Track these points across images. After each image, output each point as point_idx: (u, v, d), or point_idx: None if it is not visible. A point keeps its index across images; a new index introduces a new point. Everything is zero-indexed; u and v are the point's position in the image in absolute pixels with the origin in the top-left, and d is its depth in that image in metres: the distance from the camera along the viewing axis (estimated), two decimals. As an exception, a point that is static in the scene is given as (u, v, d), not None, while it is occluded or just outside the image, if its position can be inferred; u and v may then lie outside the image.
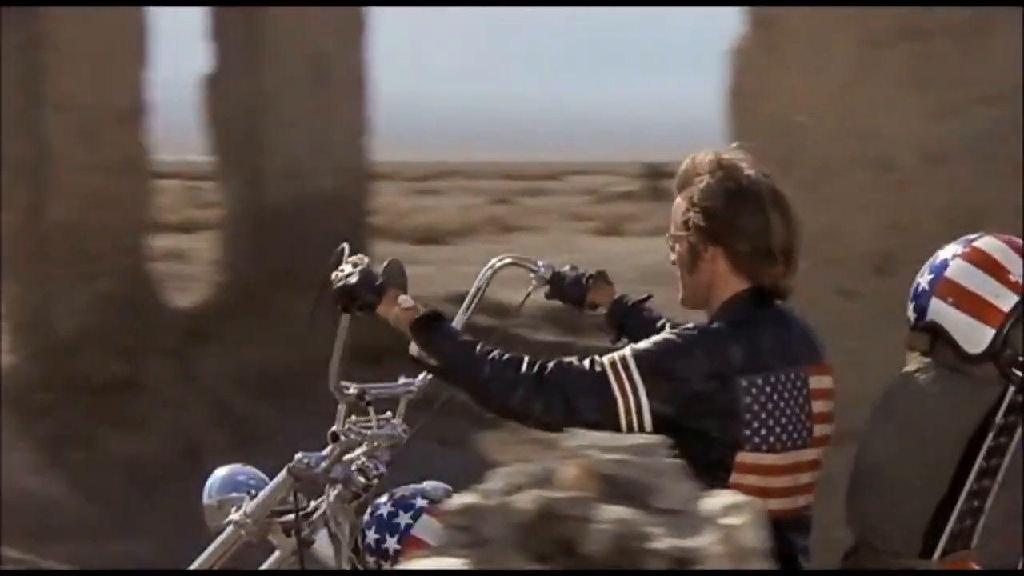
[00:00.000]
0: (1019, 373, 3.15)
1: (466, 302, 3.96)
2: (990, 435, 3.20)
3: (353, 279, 3.51)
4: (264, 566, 3.79)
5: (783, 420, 3.19)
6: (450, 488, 3.71)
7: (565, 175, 65.80)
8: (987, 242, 3.25)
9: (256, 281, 15.91)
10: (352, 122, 16.90)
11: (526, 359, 3.23)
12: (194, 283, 17.15)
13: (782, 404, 3.20)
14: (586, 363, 3.19)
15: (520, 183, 57.40)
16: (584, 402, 3.17)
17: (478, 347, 3.29)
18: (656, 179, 47.01)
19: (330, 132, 16.58)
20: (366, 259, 3.55)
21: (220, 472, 3.90)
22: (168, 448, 11.58)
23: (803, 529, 3.29)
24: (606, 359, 3.19)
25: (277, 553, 3.76)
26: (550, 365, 3.20)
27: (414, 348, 3.40)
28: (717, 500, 2.05)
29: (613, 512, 2.08)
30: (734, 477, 3.16)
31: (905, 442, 3.21)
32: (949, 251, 3.27)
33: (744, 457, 3.17)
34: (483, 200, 43.98)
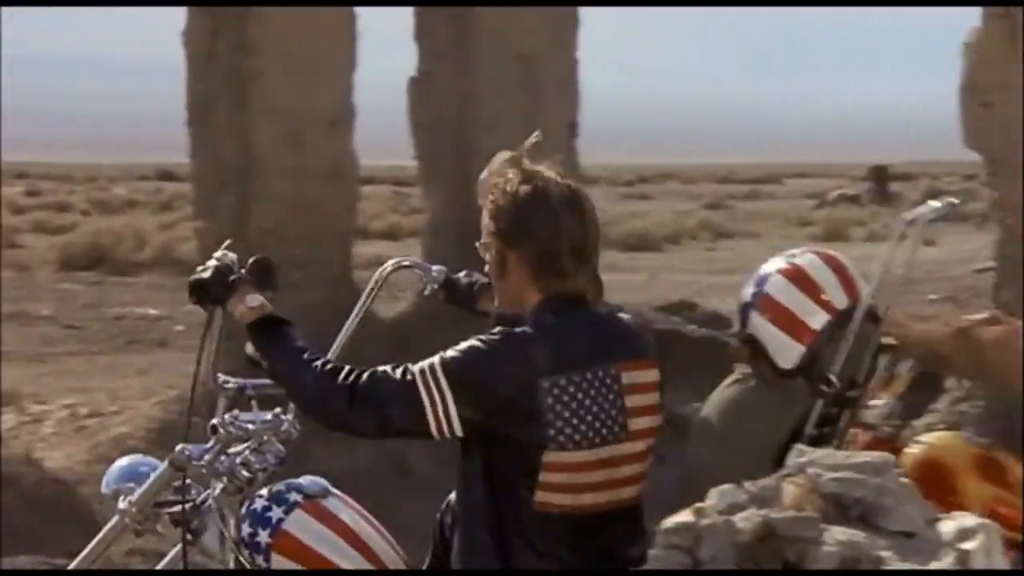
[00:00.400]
0: (826, 389, 3.31)
1: (357, 307, 4.12)
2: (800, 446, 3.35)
3: (205, 274, 3.71)
4: (162, 564, 3.94)
5: (589, 418, 3.36)
6: (328, 485, 3.86)
7: (784, 178, 64.97)
8: (807, 259, 3.45)
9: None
10: (560, 124, 16.97)
11: (344, 370, 3.42)
12: (400, 292, 17.42)
13: (588, 402, 3.36)
14: (398, 372, 3.39)
15: (736, 187, 56.82)
16: (395, 411, 3.37)
17: (306, 355, 3.47)
18: (883, 182, 46.03)
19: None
20: (231, 255, 3.74)
21: (121, 462, 4.06)
22: (379, 463, 11.77)
23: (625, 516, 3.45)
24: (416, 368, 3.38)
25: (172, 552, 3.90)
26: (364, 375, 3.39)
27: (249, 347, 3.59)
28: (952, 523, 2.01)
29: (840, 533, 2.05)
30: (543, 476, 3.34)
31: (722, 452, 3.43)
32: (773, 265, 3.47)
33: (551, 456, 3.35)
34: (696, 204, 43.69)
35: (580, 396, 3.36)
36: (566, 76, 16.98)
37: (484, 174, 3.52)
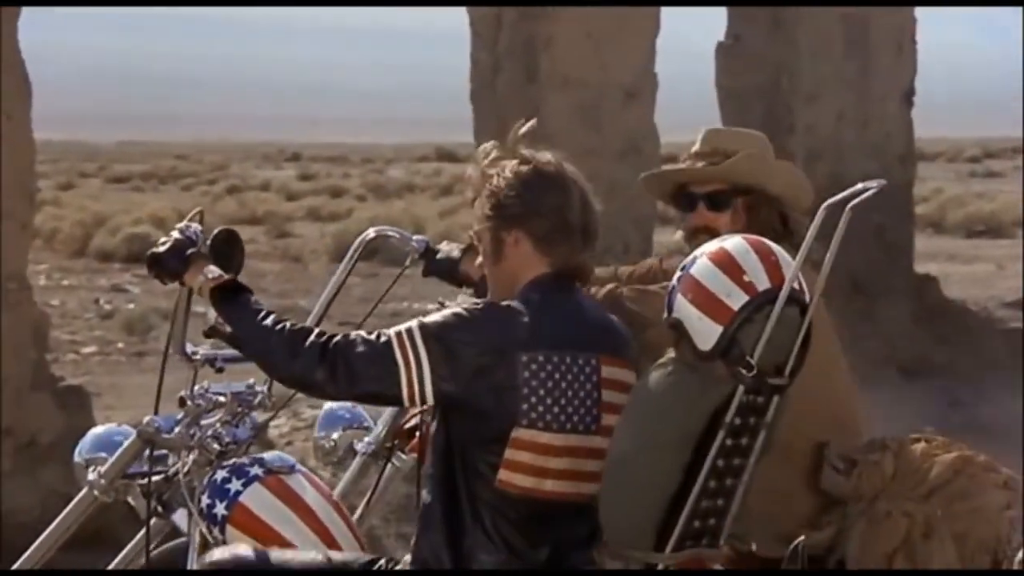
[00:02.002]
0: (744, 372, 3.60)
1: (336, 275, 4.44)
2: (720, 434, 3.63)
3: (162, 247, 4.00)
4: (135, 541, 4.25)
5: (563, 401, 3.69)
6: (295, 463, 4.12)
7: None
8: (734, 243, 3.75)
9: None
10: (893, 93, 16.69)
11: (315, 331, 3.74)
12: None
13: (564, 385, 3.69)
14: (373, 335, 3.70)
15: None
16: (367, 370, 3.67)
17: (271, 318, 3.80)
18: None
19: (867, 105, 16.44)
20: (194, 227, 4.05)
21: (97, 430, 4.39)
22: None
23: (585, 516, 3.70)
24: (393, 331, 3.70)
25: (140, 533, 4.18)
26: (338, 336, 3.72)
27: (211, 315, 3.90)
28: None
29: None
30: (508, 453, 3.65)
31: (639, 437, 3.67)
32: (701, 250, 3.78)
33: (519, 433, 3.66)
34: (1055, 183, 42.27)
35: (557, 377, 3.68)
36: (901, 37, 16.69)
37: (472, 167, 3.87)
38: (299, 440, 14.36)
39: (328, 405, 4.61)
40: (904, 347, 16.37)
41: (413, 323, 3.71)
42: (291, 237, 31.32)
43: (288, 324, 3.77)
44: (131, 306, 21.68)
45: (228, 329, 3.86)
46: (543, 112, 13.69)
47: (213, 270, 3.94)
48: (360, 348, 3.68)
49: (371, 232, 4.60)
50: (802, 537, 3.94)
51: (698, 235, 4.30)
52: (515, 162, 3.80)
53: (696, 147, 4.43)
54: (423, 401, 3.70)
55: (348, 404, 4.53)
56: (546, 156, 3.84)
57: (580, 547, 3.73)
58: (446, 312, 3.73)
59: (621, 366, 3.82)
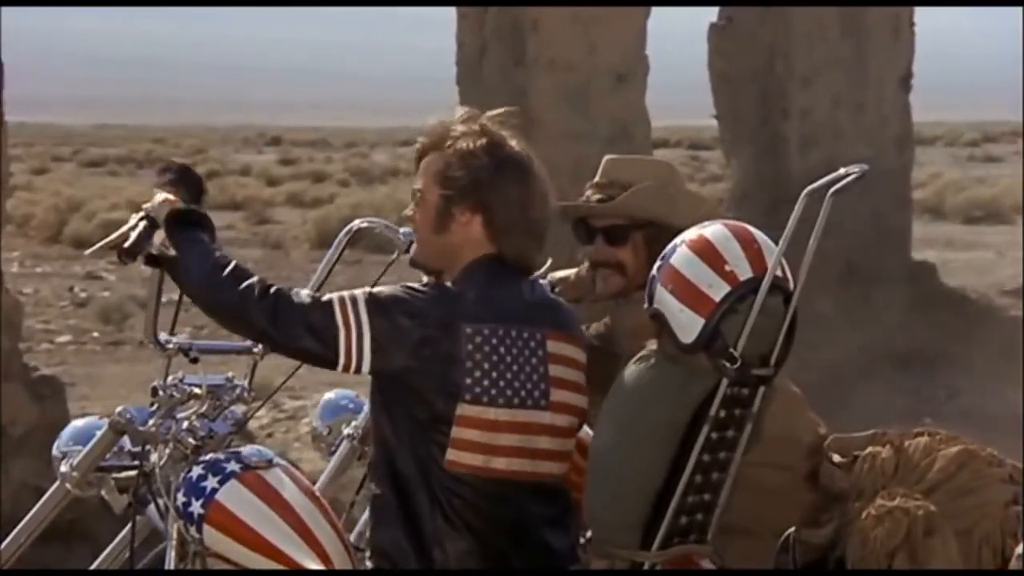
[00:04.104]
0: (727, 364, 3.59)
1: (322, 265, 4.49)
2: (705, 428, 3.62)
3: (132, 233, 3.94)
4: (119, 539, 4.25)
5: (508, 375, 3.73)
6: (273, 456, 4.10)
7: None
8: (714, 230, 3.73)
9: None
10: (891, 77, 16.70)
11: (261, 280, 3.75)
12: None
13: (509, 359, 3.74)
14: (316, 294, 3.75)
15: (1104, 146, 54.86)
16: (306, 323, 3.70)
17: (220, 253, 3.83)
18: None
19: (864, 88, 16.45)
20: (170, 197, 3.99)
21: (77, 423, 4.39)
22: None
23: (547, 497, 3.77)
24: (336, 295, 3.74)
25: (123, 533, 4.18)
26: (281, 288, 3.75)
27: (155, 245, 3.92)
28: None
29: None
30: (455, 431, 3.69)
31: (622, 431, 3.70)
32: (681, 238, 3.77)
33: (465, 409, 3.70)
34: (1055, 168, 42.29)
35: (502, 351, 3.73)
36: (898, 20, 16.70)
37: (437, 126, 3.87)
38: (279, 432, 14.37)
39: (329, 395, 4.66)
40: (901, 336, 16.40)
41: (358, 292, 3.75)
42: (272, 223, 31.29)
43: (236, 263, 3.79)
44: (106, 294, 21.66)
45: (172, 253, 3.86)
46: (530, 96, 13.68)
47: (174, 198, 3.96)
48: (302, 300, 3.72)
49: (356, 223, 4.65)
50: (792, 528, 3.94)
51: (598, 268, 4.29)
52: (486, 141, 3.81)
53: (596, 177, 4.43)
54: (359, 369, 3.71)
55: (351, 394, 4.59)
56: (519, 145, 3.85)
57: (547, 531, 3.75)
58: (394, 286, 3.77)
59: (567, 341, 3.85)
